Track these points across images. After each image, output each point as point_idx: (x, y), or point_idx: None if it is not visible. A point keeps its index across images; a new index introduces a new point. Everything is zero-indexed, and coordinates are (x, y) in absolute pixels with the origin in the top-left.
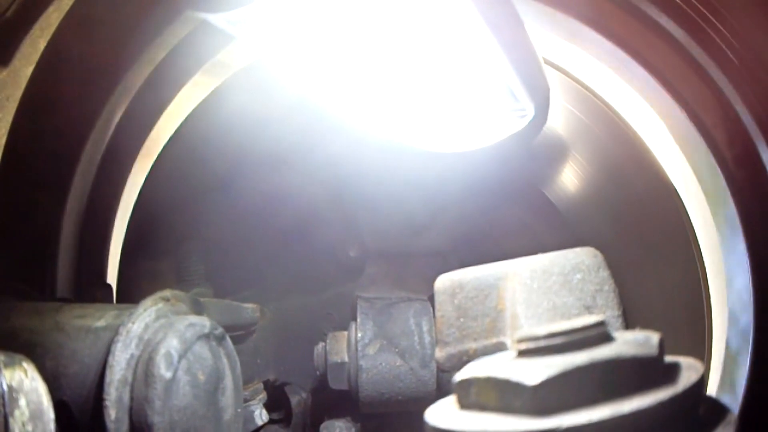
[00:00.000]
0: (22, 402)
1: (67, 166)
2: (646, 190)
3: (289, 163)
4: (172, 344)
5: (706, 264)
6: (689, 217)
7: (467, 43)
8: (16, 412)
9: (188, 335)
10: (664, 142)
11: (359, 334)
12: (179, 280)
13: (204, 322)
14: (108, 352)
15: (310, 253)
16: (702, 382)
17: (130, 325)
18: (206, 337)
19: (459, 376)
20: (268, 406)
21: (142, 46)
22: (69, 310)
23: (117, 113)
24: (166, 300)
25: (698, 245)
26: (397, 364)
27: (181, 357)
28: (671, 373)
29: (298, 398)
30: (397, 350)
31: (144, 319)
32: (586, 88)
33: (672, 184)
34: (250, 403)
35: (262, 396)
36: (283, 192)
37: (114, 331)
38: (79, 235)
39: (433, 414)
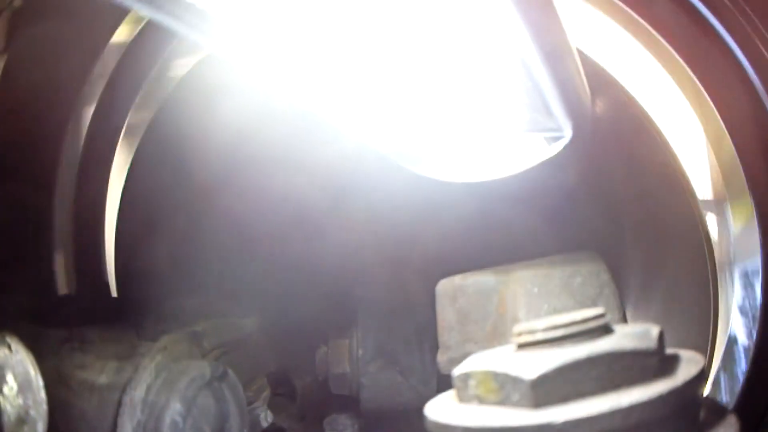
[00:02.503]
0: (10, 377)
1: (49, 161)
2: (658, 181)
3: (288, 165)
4: (175, 409)
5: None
6: (701, 211)
7: (486, 38)
8: (5, 389)
9: (190, 393)
10: (680, 124)
11: (360, 351)
12: (177, 290)
13: (204, 371)
14: (115, 422)
15: (309, 253)
16: (703, 375)
17: (132, 392)
18: (208, 384)
19: (458, 370)
20: (273, 385)
21: (109, 32)
22: (68, 356)
23: (90, 105)
24: (164, 349)
25: (709, 239)
26: (398, 381)
27: (185, 417)
28: (671, 365)
29: (302, 383)
30: (398, 368)
31: (145, 381)
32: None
33: (686, 175)
34: (255, 405)
35: (266, 394)
36: (282, 193)
37: (118, 391)
38: (71, 233)
39: (432, 408)
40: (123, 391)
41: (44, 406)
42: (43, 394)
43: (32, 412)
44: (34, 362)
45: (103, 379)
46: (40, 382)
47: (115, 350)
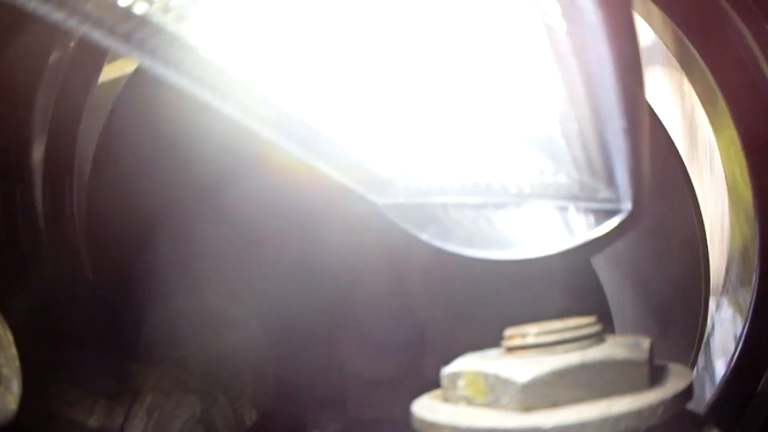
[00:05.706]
0: None
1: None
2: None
3: (288, 164)
4: None
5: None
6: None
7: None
8: None
9: None
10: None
11: (349, 361)
12: (175, 290)
13: (195, 408)
14: None
15: (310, 254)
16: (691, 388)
17: None
18: (199, 418)
19: (447, 369)
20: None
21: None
22: (55, 387)
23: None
24: (153, 388)
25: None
26: (388, 394)
27: None
28: (660, 378)
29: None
30: (388, 379)
31: (138, 428)
32: None
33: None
34: (238, 405)
35: (250, 389)
36: (282, 192)
37: None
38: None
39: (419, 406)
40: None
41: (17, 363)
42: (14, 350)
43: (5, 371)
44: (2, 318)
45: (93, 422)
46: (10, 338)
47: (103, 382)
